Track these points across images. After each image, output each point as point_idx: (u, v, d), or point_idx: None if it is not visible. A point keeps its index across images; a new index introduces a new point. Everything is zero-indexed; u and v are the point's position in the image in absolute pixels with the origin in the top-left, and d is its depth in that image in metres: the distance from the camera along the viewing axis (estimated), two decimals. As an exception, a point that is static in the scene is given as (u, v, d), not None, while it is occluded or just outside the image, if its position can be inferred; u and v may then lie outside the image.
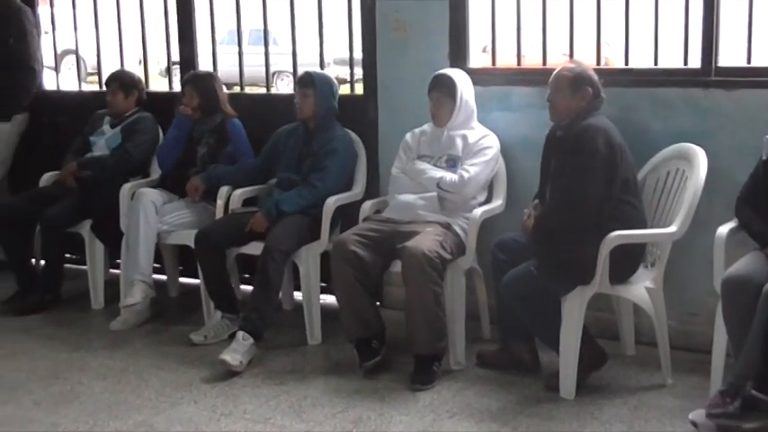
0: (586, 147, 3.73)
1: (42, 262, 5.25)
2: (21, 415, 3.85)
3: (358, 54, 5.04)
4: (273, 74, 5.50)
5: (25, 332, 4.81)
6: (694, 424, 3.43)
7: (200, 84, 5.00)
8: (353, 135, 4.82)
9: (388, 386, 4.03)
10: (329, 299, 4.68)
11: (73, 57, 8.79)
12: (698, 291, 4.13)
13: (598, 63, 4.46)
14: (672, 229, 3.83)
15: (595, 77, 3.90)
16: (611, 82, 4.05)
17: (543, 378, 4.00)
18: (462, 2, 4.62)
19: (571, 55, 4.49)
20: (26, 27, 5.61)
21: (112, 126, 5.34)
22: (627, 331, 4.26)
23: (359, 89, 5.17)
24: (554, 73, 3.95)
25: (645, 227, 3.92)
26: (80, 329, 4.85)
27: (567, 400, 3.81)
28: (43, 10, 6.08)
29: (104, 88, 5.44)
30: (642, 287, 3.92)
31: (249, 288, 4.67)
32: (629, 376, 4.06)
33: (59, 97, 6.02)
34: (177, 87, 5.55)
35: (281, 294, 4.77)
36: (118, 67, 5.56)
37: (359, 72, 5.17)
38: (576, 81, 3.87)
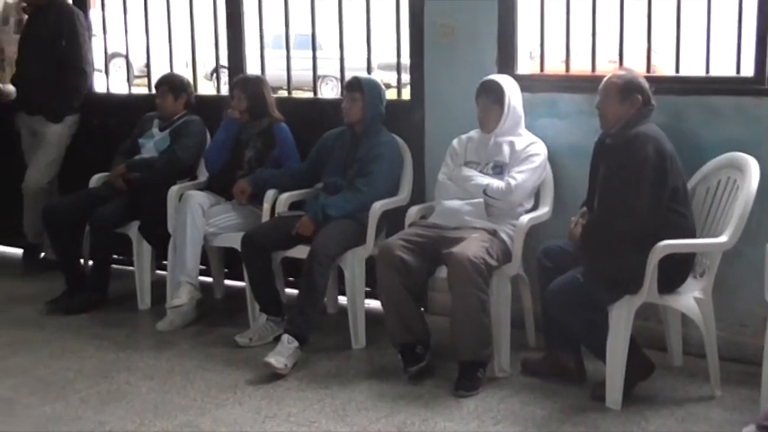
0: (636, 154, 3.70)
1: (91, 262, 5.31)
2: (69, 413, 3.90)
3: (404, 59, 5.04)
4: (318, 78, 5.50)
5: (73, 331, 4.87)
6: (744, 438, 3.38)
7: (248, 87, 5.04)
8: (400, 140, 4.82)
9: (433, 392, 4.03)
10: (373, 303, 4.69)
11: (120, 59, 8.91)
12: (748, 301, 4.08)
13: (648, 70, 4.42)
14: (722, 239, 3.79)
15: (645, 85, 3.87)
16: (662, 90, 4.02)
17: (589, 387, 3.97)
18: (511, 7, 4.61)
19: (620, 62, 4.45)
20: (78, 30, 5.69)
21: (161, 129, 5.40)
22: (675, 341, 4.22)
23: (405, 94, 5.17)
24: (604, 80, 3.93)
25: (694, 236, 3.87)
26: (127, 330, 4.91)
27: (614, 410, 3.78)
28: (93, 13, 6.16)
29: (154, 91, 5.50)
30: (691, 297, 3.88)
31: (294, 291, 4.70)
32: (677, 387, 4.02)
33: (109, 99, 6.09)
34: (225, 91, 5.61)
35: (325, 298, 4.79)
36: (166, 71, 5.62)
37: (405, 77, 5.17)
38: (625, 88, 3.84)
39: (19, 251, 6.16)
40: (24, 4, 5.81)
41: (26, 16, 5.88)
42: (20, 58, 5.87)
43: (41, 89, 5.68)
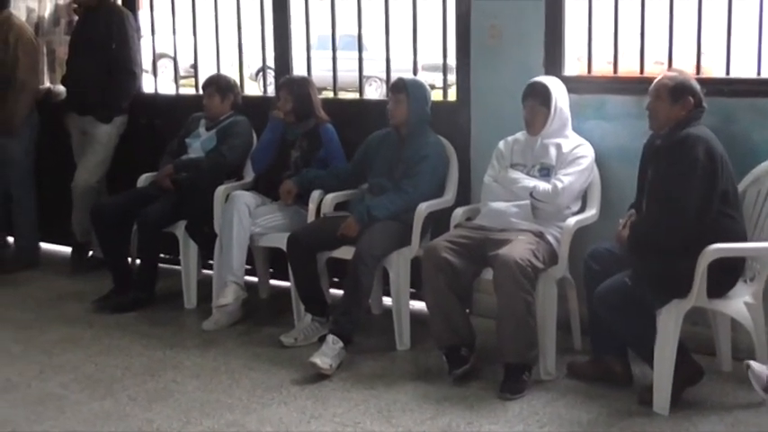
0: (686, 156, 3.66)
1: (138, 261, 5.37)
2: (117, 410, 3.95)
3: (449, 60, 5.03)
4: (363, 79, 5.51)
5: (121, 329, 4.93)
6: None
7: (295, 88, 5.06)
8: (445, 141, 4.81)
9: (478, 394, 4.01)
10: (418, 305, 4.69)
11: (166, 60, 8.99)
12: (799, 307, 4.01)
13: (698, 72, 4.38)
14: (773, 243, 3.74)
15: (697, 87, 3.83)
16: (712, 91, 3.97)
17: (636, 391, 3.93)
18: (559, 9, 4.58)
19: (669, 64, 4.41)
20: (128, 32, 5.75)
21: (208, 129, 5.44)
22: (724, 346, 4.16)
23: (451, 95, 5.16)
24: (655, 81, 3.89)
25: (745, 240, 3.82)
26: (173, 328, 4.95)
27: (661, 415, 3.74)
28: (141, 14, 6.22)
29: (201, 92, 5.55)
30: (741, 302, 3.83)
31: (339, 292, 4.71)
32: (726, 393, 3.96)
33: (157, 100, 6.15)
34: (271, 91, 5.63)
35: (370, 299, 4.79)
36: (213, 71, 5.66)
37: (450, 78, 5.16)
38: (677, 90, 3.80)
39: (67, 249, 6.24)
40: (75, 6, 5.89)
41: (77, 18, 5.96)
42: (70, 59, 5.95)
43: (91, 90, 5.75)
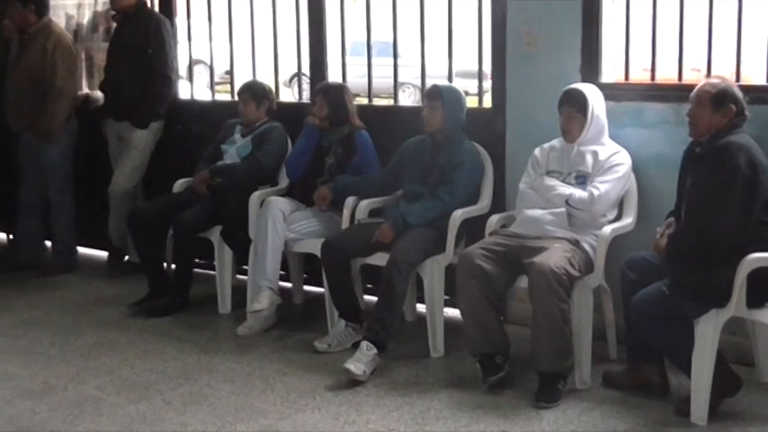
0: (727, 164, 3.62)
1: (173, 266, 5.40)
2: (153, 413, 3.97)
3: (483, 66, 5.02)
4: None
5: (156, 333, 4.96)
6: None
7: (331, 95, 5.07)
8: (481, 148, 4.80)
9: (512, 403, 3.99)
10: (452, 312, 4.68)
11: (200, 66, 9.05)
12: (840, 318, 3.95)
13: (737, 79, 4.32)
14: (814, 253, 3.68)
15: (739, 94, 3.78)
16: (754, 99, 3.92)
17: (673, 402, 3.89)
18: (596, 15, 4.55)
19: (708, 71, 4.36)
20: (164, 38, 5.80)
21: (243, 135, 5.47)
22: (763, 357, 4.10)
23: (486, 102, 5.15)
24: (696, 88, 3.85)
25: (786, 249, 3.77)
26: (208, 333, 4.98)
27: (699, 426, 3.70)
28: (177, 21, 6.26)
29: (236, 98, 5.58)
30: (781, 312, 3.78)
31: (373, 298, 4.71)
32: (765, 404, 3.91)
33: (193, 106, 6.17)
34: (305, 98, 5.64)
35: (404, 306, 4.78)
36: (248, 78, 5.69)
37: (484, 85, 5.15)
38: (718, 97, 3.76)
39: (104, 254, 6.30)
40: (113, 13, 5.94)
41: (114, 24, 6.02)
42: (108, 65, 6.01)
43: (128, 96, 5.80)
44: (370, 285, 4.98)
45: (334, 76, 5.54)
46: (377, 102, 5.66)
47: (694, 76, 4.49)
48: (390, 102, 5.65)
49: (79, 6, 6.43)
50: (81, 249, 6.42)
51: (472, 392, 4.10)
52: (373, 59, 5.42)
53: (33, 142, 6.03)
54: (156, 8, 6.07)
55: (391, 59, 5.38)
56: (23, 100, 5.99)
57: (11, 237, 6.60)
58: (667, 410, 3.85)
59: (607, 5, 4.57)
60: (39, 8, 5.97)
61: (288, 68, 6.39)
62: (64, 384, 4.29)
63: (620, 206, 4.36)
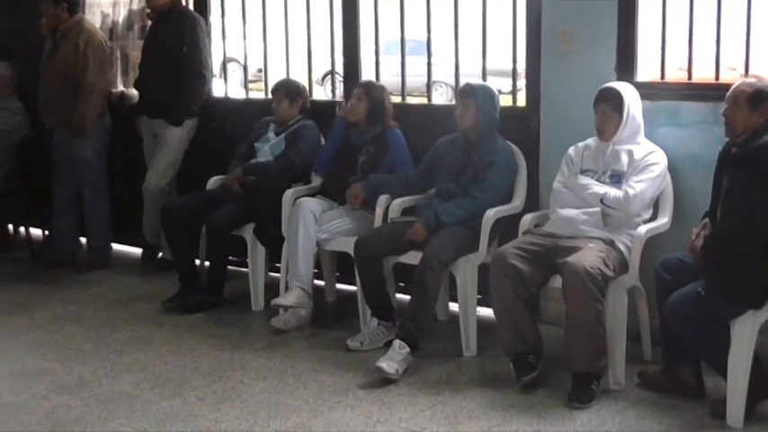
0: (764, 165, 3.58)
1: (207, 263, 5.42)
2: (186, 410, 4.00)
3: (514, 65, 5.01)
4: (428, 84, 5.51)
5: (189, 330, 4.99)
6: None
7: (372, 91, 5.06)
8: (514, 147, 4.78)
9: (545, 402, 3.98)
10: (485, 311, 4.66)
11: (232, 64, 9.09)
12: None
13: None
14: None
15: (777, 94, 3.74)
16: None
17: (708, 404, 3.86)
18: (632, 13, 4.51)
19: (746, 70, 4.31)
20: (199, 36, 5.82)
21: (277, 133, 5.48)
22: (800, 359, 4.06)
23: (520, 101, 5.13)
24: (732, 87, 3.81)
25: (824, 250, 3.72)
26: (241, 330, 5.00)
27: (734, 428, 3.66)
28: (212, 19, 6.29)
29: (270, 96, 5.59)
30: (819, 314, 3.73)
31: (405, 297, 4.71)
32: (802, 407, 3.87)
33: (227, 104, 6.20)
34: (338, 96, 5.64)
35: (436, 304, 4.77)
36: (281, 76, 5.70)
37: (518, 83, 5.13)
38: (755, 97, 3.72)
39: (138, 251, 6.34)
40: (149, 11, 5.98)
41: (150, 23, 6.06)
42: (143, 62, 6.04)
43: (162, 93, 5.83)
44: (402, 284, 4.98)
45: (367, 74, 5.54)
46: (409, 100, 5.64)
47: (731, 75, 4.45)
48: (424, 100, 5.63)
49: (115, 5, 6.46)
50: (115, 246, 6.47)
51: (505, 392, 4.09)
52: (407, 58, 5.41)
53: (67, 139, 6.09)
54: (191, 6, 6.11)
55: (422, 58, 5.37)
56: (57, 97, 6.04)
57: (46, 233, 6.65)
58: (703, 412, 3.81)
59: (643, 3, 4.53)
60: (70, 6, 6.02)
61: (320, 67, 6.39)
62: (98, 380, 4.33)
63: (656, 206, 4.32)
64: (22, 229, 6.85)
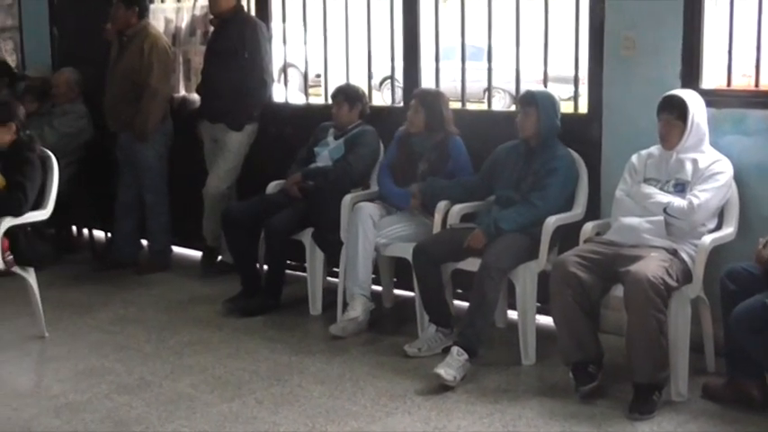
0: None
1: (266, 267, 5.46)
2: (245, 413, 4.02)
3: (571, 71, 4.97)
4: (485, 90, 5.48)
5: (248, 333, 5.03)
6: None
7: (427, 100, 5.06)
8: (575, 154, 4.73)
9: (605, 413, 3.93)
10: (544, 319, 4.63)
11: (291, 69, 9.12)
12: None
13: None
14: None
15: None
16: None
17: (774, 417, 3.79)
18: (698, 19, 4.44)
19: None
20: (260, 41, 5.87)
21: (336, 138, 5.50)
22: None
23: (581, 107, 5.08)
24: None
25: None
26: (299, 334, 5.02)
27: (800, 442, 3.59)
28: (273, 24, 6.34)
29: (329, 101, 5.62)
30: None
31: (463, 303, 4.69)
32: None
33: (286, 109, 6.24)
34: (397, 102, 5.64)
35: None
36: (340, 81, 5.72)
37: (572, 89, 5.09)
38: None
39: (198, 254, 6.41)
40: (211, 17, 6.05)
41: (212, 28, 6.12)
42: (205, 68, 6.11)
43: (224, 98, 5.89)
44: (460, 291, 4.96)
45: (427, 80, 5.54)
46: (470, 106, 5.62)
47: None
48: (480, 106, 5.61)
49: (178, 11, 6.56)
50: (175, 249, 6.56)
51: (564, 402, 4.05)
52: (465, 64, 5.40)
53: (130, 143, 6.18)
54: (253, 12, 6.16)
55: (478, 64, 5.34)
56: (121, 101, 6.14)
57: (109, 235, 6.76)
58: (767, 425, 3.74)
59: (709, 8, 4.46)
60: (141, 10, 6.12)
61: (378, 72, 6.40)
62: (159, 381, 4.39)
63: (721, 216, 4.25)
64: (85, 230, 6.98)
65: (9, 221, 4.74)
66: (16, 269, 4.84)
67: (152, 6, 6.50)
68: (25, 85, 6.83)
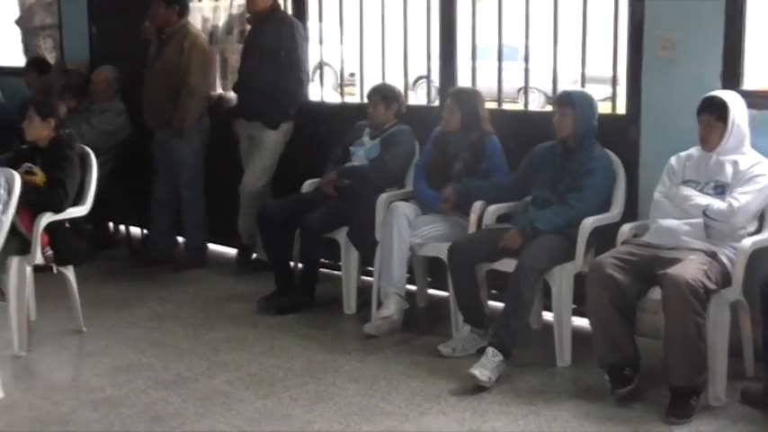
0: None
1: (300, 265, 5.47)
2: (280, 410, 4.04)
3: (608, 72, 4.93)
4: (519, 90, 5.46)
5: (282, 331, 5.05)
6: None
7: (463, 99, 5.05)
8: (613, 155, 4.70)
9: (641, 416, 3.90)
10: (580, 321, 4.60)
11: (325, 68, 9.14)
12: None
13: None
14: None
15: None
16: None
17: (814, 424, 3.74)
18: (739, 17, 4.39)
19: None
20: (297, 40, 5.89)
21: (372, 137, 5.50)
22: None
23: (620, 108, 5.04)
24: None
25: None
26: (333, 332, 5.03)
27: (841, 450, 3.54)
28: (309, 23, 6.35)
29: (365, 100, 5.62)
30: None
31: (498, 304, 4.68)
32: None
33: (322, 108, 6.25)
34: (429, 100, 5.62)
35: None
36: (375, 80, 5.72)
37: (610, 90, 5.04)
38: None
39: (233, 251, 6.44)
40: (248, 16, 6.08)
41: (249, 27, 6.15)
42: (241, 66, 6.14)
43: (260, 97, 5.92)
44: (495, 291, 4.95)
45: (463, 79, 5.52)
46: (506, 106, 5.60)
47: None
48: (514, 106, 5.58)
49: (215, 9, 6.59)
50: (211, 246, 6.59)
51: (600, 404, 4.02)
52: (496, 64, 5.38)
53: (167, 140, 6.23)
54: (290, 11, 6.18)
55: (513, 63, 5.31)
56: (159, 98, 6.19)
57: (146, 232, 6.81)
58: (807, 432, 3.70)
59: (751, 6, 4.40)
60: (182, 9, 6.17)
61: (414, 71, 6.39)
62: (195, 377, 4.42)
63: (761, 218, 4.19)
64: (122, 227, 7.05)
65: (49, 217, 4.79)
66: (55, 267, 4.88)
67: (190, 5, 6.52)
68: (64, 84, 6.90)
